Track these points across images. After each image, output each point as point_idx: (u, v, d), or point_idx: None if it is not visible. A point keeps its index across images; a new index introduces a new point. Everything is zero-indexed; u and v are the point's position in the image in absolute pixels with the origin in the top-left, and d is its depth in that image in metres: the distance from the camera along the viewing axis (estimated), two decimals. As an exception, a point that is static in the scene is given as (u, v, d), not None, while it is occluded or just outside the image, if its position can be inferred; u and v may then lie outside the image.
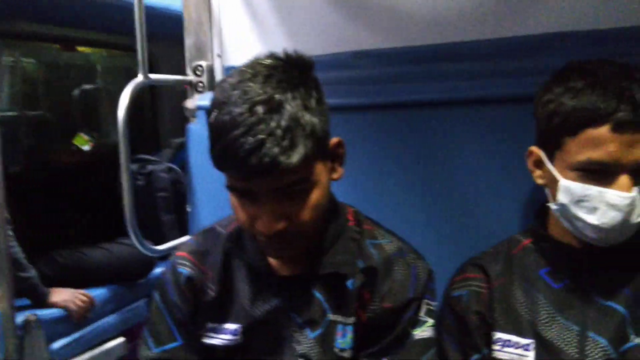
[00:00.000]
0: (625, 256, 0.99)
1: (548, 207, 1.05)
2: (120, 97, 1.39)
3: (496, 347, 1.04)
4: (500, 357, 1.04)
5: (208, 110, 0.92)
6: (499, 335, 1.05)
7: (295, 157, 0.85)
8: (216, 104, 0.90)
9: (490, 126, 1.27)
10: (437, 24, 1.34)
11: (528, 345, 1.02)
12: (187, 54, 1.59)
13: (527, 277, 1.07)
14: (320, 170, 0.95)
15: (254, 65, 0.92)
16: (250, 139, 0.84)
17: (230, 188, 0.93)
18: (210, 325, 1.09)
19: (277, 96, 0.87)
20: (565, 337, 1.00)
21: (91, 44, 3.27)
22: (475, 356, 1.06)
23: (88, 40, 3.07)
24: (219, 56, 1.56)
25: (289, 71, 0.91)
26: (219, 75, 1.57)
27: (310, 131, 0.88)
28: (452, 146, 1.31)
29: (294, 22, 1.48)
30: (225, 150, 0.86)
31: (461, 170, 1.30)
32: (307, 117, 0.88)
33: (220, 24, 1.56)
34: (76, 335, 2.21)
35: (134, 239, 1.41)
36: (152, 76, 1.45)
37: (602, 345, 0.97)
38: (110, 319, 2.39)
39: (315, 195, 0.94)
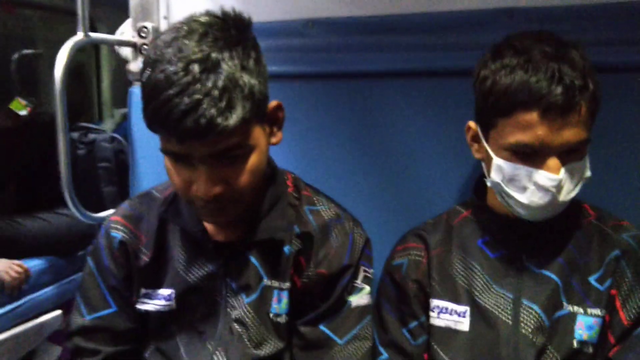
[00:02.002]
0: (559, 227, 1.02)
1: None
2: (58, 56, 1.33)
3: (433, 314, 1.07)
4: (437, 323, 1.06)
5: (142, 66, 0.88)
6: (436, 302, 1.07)
7: (233, 119, 0.82)
8: (149, 62, 0.86)
9: (434, 98, 1.29)
10: (388, -5, 1.34)
11: (464, 312, 1.04)
12: (132, 15, 1.52)
13: (465, 247, 1.09)
14: (259, 134, 0.92)
15: (190, 23, 0.88)
16: (186, 99, 0.80)
17: (164, 151, 0.90)
18: (144, 290, 1.08)
19: (213, 55, 0.83)
20: (500, 304, 1.02)
21: (31, 6, 3.11)
22: (413, 323, 1.08)
23: (28, 2, 2.92)
24: (165, 18, 1.51)
25: (226, 29, 0.87)
26: (165, 38, 1.51)
27: (249, 93, 0.85)
28: (396, 117, 1.31)
29: (245, -14, 1.44)
30: (159, 110, 0.81)
31: (404, 141, 1.31)
32: (246, 78, 0.85)
33: (167, -15, 1.50)
34: (9, 307, 2.12)
35: (70, 206, 1.35)
36: (93, 35, 1.39)
37: (535, 312, 1.00)
38: (46, 292, 2.31)
39: (254, 160, 0.92)
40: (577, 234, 1.04)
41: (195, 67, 0.81)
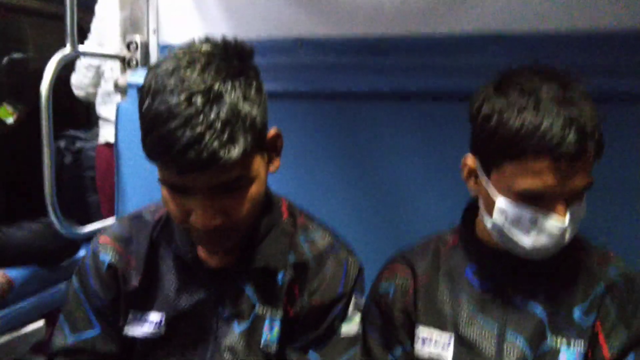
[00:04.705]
0: (548, 260, 1.01)
1: (476, 208, 1.07)
2: (45, 70, 1.31)
3: (418, 344, 1.05)
4: (421, 353, 1.05)
5: (139, 94, 0.87)
6: (420, 330, 1.06)
7: (236, 151, 0.81)
8: (149, 92, 0.84)
9: (422, 121, 1.29)
10: (379, 16, 1.34)
11: (448, 342, 1.03)
12: (121, 28, 1.52)
13: (452, 276, 1.08)
14: (259, 164, 0.91)
15: (191, 52, 0.86)
16: (188, 132, 0.78)
17: (163, 182, 0.88)
18: (132, 315, 1.05)
19: (216, 86, 0.81)
20: (484, 336, 1.01)
21: (22, 11, 3.09)
22: (398, 350, 1.07)
23: (18, 7, 2.90)
24: (155, 32, 1.50)
25: (228, 59, 0.86)
26: (153, 52, 1.51)
27: (251, 124, 0.84)
28: (386, 139, 1.31)
29: (235, 2, 1.43)
30: (160, 142, 0.80)
31: (394, 163, 1.31)
32: (247, 109, 0.83)
33: (157, -1, 1.50)
34: (-7, 317, 2.10)
35: (53, 219, 1.34)
36: (82, 48, 1.38)
37: (519, 344, 0.99)
38: (30, 302, 2.27)
39: (253, 190, 0.90)
40: (563, 267, 1.03)
41: (198, 99, 0.80)
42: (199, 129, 0.78)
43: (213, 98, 0.81)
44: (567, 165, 0.88)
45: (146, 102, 0.83)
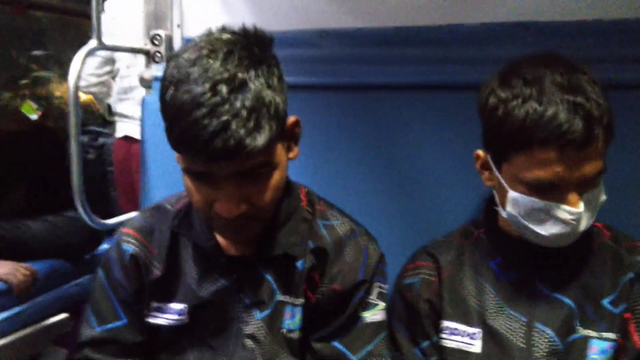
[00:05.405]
0: (573, 249, 1.00)
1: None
2: (72, 64, 1.33)
3: (444, 335, 1.05)
4: (447, 345, 1.05)
5: (161, 84, 0.87)
6: (446, 323, 1.06)
7: (261, 139, 0.82)
8: (172, 81, 0.84)
9: (446, 112, 1.28)
10: (402, 7, 1.33)
11: (474, 334, 1.03)
12: (145, 23, 1.52)
13: (477, 268, 1.08)
14: (280, 151, 0.92)
15: (211, 41, 0.87)
16: (215, 121, 0.79)
17: (187, 170, 0.89)
18: (155, 304, 1.07)
19: (240, 74, 0.82)
20: (512, 327, 1.01)
21: (44, 8, 3.13)
22: (425, 343, 1.07)
23: (41, 4, 2.94)
24: (179, 26, 1.51)
25: (249, 48, 0.87)
26: (177, 46, 1.52)
27: (275, 111, 0.85)
28: (410, 131, 1.31)
29: (259, -4, 1.44)
30: (186, 132, 0.81)
31: (418, 155, 1.30)
32: (271, 96, 0.84)
33: (181, -7, 1.51)
34: (17, 309, 2.11)
35: (81, 212, 1.35)
36: (107, 42, 1.39)
37: (548, 335, 0.99)
38: (53, 294, 2.30)
39: (276, 177, 0.92)
40: (591, 256, 1.02)
41: (223, 88, 0.81)
42: (224, 118, 0.79)
43: (237, 86, 0.81)
44: (575, 153, 0.87)
45: (169, 92, 0.84)
